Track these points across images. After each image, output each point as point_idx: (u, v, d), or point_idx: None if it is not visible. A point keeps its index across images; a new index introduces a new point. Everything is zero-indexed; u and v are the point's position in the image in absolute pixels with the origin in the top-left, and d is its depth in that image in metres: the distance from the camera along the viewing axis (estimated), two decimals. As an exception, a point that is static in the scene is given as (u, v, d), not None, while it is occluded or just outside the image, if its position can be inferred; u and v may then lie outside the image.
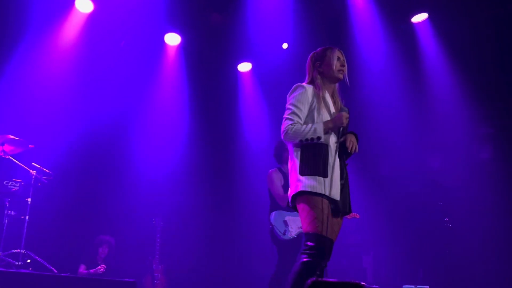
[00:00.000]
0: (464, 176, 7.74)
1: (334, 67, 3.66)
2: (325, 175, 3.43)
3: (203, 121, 8.58)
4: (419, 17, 7.41)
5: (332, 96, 3.76)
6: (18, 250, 5.74)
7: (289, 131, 3.50)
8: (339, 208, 3.51)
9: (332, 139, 3.54)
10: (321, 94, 3.63)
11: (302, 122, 3.56)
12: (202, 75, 8.50)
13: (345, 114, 3.54)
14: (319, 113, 3.56)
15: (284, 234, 5.66)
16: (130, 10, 7.24)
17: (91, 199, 7.59)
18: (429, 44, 7.55)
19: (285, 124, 3.54)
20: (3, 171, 6.20)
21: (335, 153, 3.51)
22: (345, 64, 3.73)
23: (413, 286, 5.77)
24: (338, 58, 3.70)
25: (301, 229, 5.79)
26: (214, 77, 8.50)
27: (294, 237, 5.69)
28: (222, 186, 8.82)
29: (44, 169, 6.12)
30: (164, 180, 8.11)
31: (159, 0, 7.15)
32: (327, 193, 3.41)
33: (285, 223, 5.75)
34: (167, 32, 7.83)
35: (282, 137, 3.57)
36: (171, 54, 8.13)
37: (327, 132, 3.50)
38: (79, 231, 7.28)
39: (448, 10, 7.22)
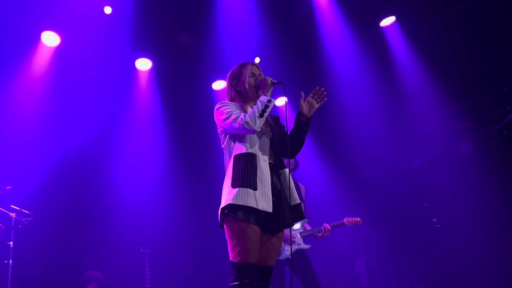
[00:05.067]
0: (446, 173, 7.78)
1: (247, 85, 3.50)
2: (254, 187, 3.23)
3: (180, 142, 8.49)
4: (387, 21, 7.44)
5: None
6: (4, 296, 5.59)
7: (245, 119, 3.24)
8: (270, 224, 3.31)
9: (261, 156, 3.35)
10: (245, 109, 3.51)
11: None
12: (177, 96, 8.41)
13: (267, 78, 3.43)
14: None
15: (279, 254, 5.42)
16: (97, 40, 7.13)
17: (74, 234, 7.44)
18: (399, 46, 7.59)
19: (235, 120, 3.28)
20: (-19, 218, 6.04)
21: (266, 168, 3.33)
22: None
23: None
24: (253, 74, 3.53)
25: (298, 246, 5.66)
26: (189, 98, 8.40)
27: (289, 257, 5.50)
28: (206, 204, 8.69)
29: (24, 210, 5.95)
30: (146, 207, 8.00)
31: (126, 28, 7.05)
32: (254, 206, 3.18)
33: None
34: (137, 58, 7.72)
35: (240, 130, 3.30)
36: (144, 79, 8.03)
37: (268, 95, 3.34)
38: (66, 270, 7.13)
39: (415, 10, 7.25)
